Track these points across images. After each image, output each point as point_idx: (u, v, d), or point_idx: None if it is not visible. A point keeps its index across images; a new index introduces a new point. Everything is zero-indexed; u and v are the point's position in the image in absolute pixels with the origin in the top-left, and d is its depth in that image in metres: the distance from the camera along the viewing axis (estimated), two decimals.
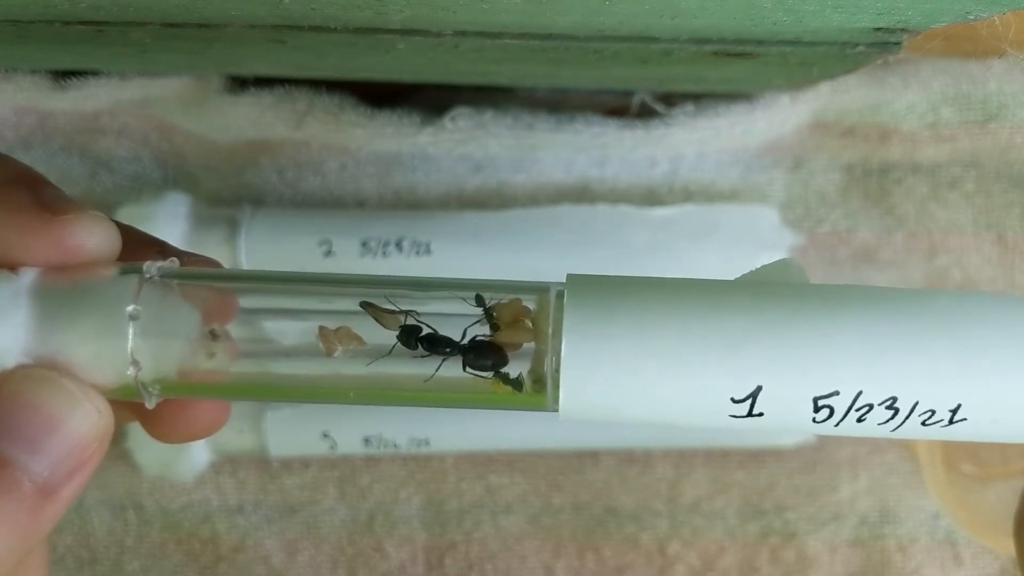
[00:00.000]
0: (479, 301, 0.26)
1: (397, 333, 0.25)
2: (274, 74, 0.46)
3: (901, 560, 0.48)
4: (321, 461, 0.49)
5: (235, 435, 0.47)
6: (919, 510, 0.49)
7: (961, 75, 0.47)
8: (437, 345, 0.25)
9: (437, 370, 0.25)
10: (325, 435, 0.47)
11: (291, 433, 0.47)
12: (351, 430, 0.47)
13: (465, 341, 0.25)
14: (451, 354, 0.25)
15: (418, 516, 0.49)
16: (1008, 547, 0.46)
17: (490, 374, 0.25)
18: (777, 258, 0.45)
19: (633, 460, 0.49)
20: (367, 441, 0.47)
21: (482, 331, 0.26)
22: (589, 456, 0.49)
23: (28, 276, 0.25)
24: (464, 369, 0.25)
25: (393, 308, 0.26)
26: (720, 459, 0.49)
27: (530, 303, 0.26)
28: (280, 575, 0.49)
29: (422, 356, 0.25)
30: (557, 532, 0.49)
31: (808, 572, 0.48)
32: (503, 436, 0.47)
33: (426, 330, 0.25)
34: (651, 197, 0.48)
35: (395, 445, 0.47)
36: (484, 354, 0.25)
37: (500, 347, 0.25)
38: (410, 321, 0.26)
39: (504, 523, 0.49)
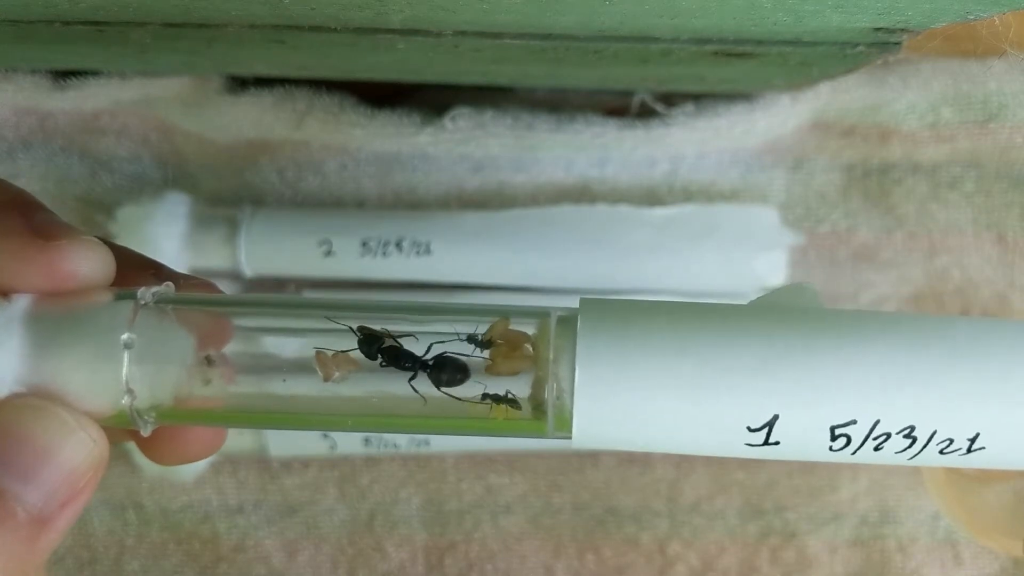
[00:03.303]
0: (471, 340, 0.25)
1: (359, 338, 0.25)
2: (274, 74, 0.46)
3: (901, 560, 0.49)
4: (321, 461, 0.49)
5: (235, 435, 0.47)
6: (919, 510, 0.49)
7: (961, 75, 0.47)
8: (398, 359, 0.25)
9: (412, 383, 0.25)
10: (325, 435, 0.47)
11: (291, 433, 0.47)
12: None
13: (429, 357, 0.25)
14: (412, 368, 0.25)
15: (418, 516, 0.49)
16: (1007, 547, 0.46)
17: (479, 396, 0.25)
18: (777, 258, 0.46)
19: (633, 460, 0.49)
20: (367, 441, 0.47)
21: (461, 349, 0.25)
22: (589, 456, 0.49)
23: (21, 303, 0.25)
24: (439, 388, 0.25)
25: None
26: (720, 459, 0.49)
27: (530, 328, 0.25)
28: (280, 575, 0.49)
29: (382, 367, 0.25)
30: (557, 532, 0.49)
31: (808, 572, 0.48)
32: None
33: (389, 343, 0.25)
34: (651, 197, 0.48)
35: (395, 445, 0.47)
36: (447, 370, 0.25)
37: (463, 363, 0.25)
38: (390, 336, 0.25)
39: (504, 523, 0.49)
